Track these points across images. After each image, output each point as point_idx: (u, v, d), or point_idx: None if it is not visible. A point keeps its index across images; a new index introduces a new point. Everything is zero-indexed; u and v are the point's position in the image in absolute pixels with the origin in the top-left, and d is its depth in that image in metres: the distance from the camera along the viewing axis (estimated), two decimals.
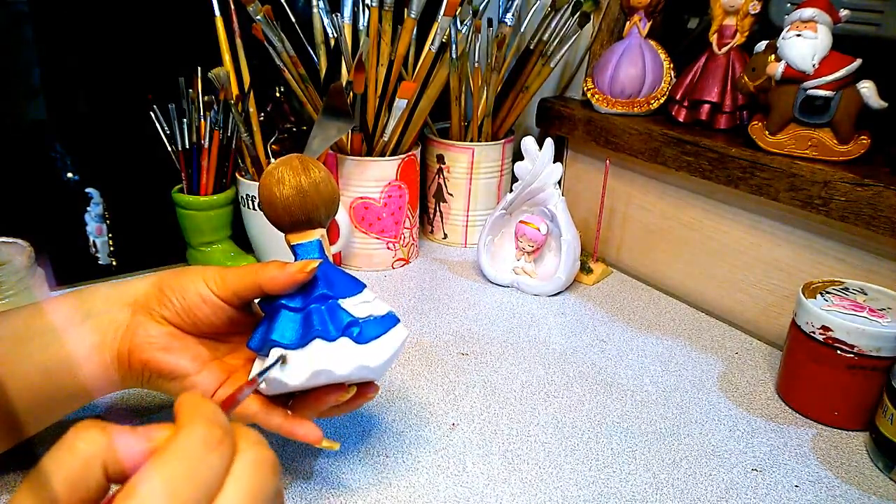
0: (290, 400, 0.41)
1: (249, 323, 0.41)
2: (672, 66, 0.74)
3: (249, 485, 0.22)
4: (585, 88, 0.77)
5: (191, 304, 0.39)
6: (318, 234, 0.41)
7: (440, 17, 0.67)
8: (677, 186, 0.71)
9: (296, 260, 0.40)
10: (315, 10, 0.70)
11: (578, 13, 0.75)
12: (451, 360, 0.58)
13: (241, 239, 0.73)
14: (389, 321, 0.40)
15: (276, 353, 0.38)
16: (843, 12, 0.56)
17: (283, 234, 0.41)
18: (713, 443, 0.49)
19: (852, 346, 0.48)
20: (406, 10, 0.67)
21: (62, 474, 0.20)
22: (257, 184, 0.67)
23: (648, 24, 0.72)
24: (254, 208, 0.68)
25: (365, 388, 0.41)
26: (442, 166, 0.80)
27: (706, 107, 0.68)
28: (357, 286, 0.40)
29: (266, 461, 0.23)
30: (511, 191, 0.71)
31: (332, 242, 0.70)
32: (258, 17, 0.65)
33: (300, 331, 0.38)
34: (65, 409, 0.41)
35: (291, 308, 0.39)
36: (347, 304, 0.39)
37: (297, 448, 0.47)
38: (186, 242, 0.72)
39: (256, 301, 0.41)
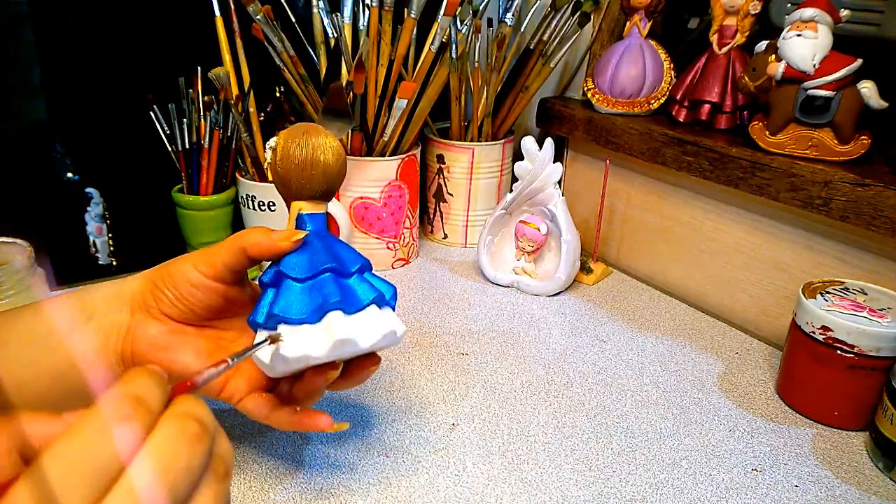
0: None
1: (247, 300, 0.41)
2: (672, 66, 0.74)
3: (159, 458, 0.22)
4: (585, 88, 0.77)
5: (184, 293, 0.39)
6: (325, 207, 0.41)
7: (440, 17, 0.67)
8: (677, 186, 0.71)
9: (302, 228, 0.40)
10: (315, 10, 0.70)
11: (578, 13, 0.75)
12: (451, 360, 0.58)
13: None
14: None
15: (262, 334, 0.38)
16: (844, 12, 0.56)
17: (286, 202, 0.40)
18: (713, 443, 0.49)
19: (852, 346, 0.48)
20: (406, 10, 0.67)
21: None
22: (258, 183, 0.68)
23: (648, 24, 0.72)
24: (254, 208, 0.68)
25: (369, 360, 0.41)
26: (442, 166, 0.80)
27: (706, 107, 0.68)
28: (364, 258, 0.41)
29: (184, 432, 0.23)
30: (511, 191, 0.71)
31: None
32: (258, 17, 0.65)
33: (348, 297, 0.38)
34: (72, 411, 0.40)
35: (342, 272, 0.38)
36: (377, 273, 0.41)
37: (296, 448, 0.47)
38: (186, 242, 0.72)
39: (257, 280, 0.41)
